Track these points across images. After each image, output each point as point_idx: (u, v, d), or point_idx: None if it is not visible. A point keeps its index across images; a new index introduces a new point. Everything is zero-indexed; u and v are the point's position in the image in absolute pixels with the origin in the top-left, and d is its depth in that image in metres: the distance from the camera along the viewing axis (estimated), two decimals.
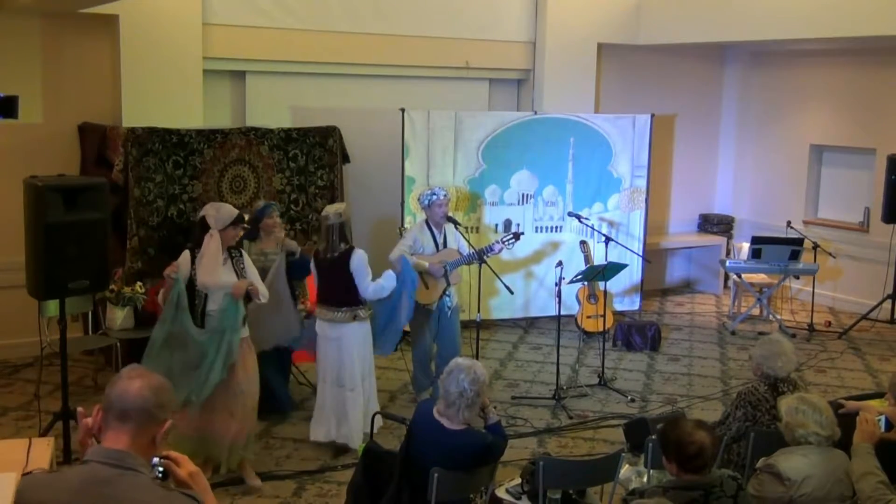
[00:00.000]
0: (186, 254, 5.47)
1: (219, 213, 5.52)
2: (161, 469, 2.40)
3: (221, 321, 5.37)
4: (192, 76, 8.03)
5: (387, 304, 6.19)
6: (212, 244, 5.43)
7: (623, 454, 4.60)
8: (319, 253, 6.01)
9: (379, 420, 5.67)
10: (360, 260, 5.86)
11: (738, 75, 11.31)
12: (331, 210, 6.02)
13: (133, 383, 2.42)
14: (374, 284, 5.91)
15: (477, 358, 6.56)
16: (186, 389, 5.27)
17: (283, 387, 6.76)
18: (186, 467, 2.47)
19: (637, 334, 8.65)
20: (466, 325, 7.33)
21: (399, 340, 6.53)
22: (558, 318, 7.38)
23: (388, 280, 6.02)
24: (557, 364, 7.28)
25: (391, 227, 8.40)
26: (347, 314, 5.87)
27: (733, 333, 9.22)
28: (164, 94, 7.83)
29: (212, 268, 5.41)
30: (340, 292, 5.87)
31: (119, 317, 7.18)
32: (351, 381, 5.86)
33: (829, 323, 9.57)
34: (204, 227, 5.48)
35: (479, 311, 7.04)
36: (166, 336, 5.36)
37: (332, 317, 5.89)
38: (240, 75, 8.65)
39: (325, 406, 5.97)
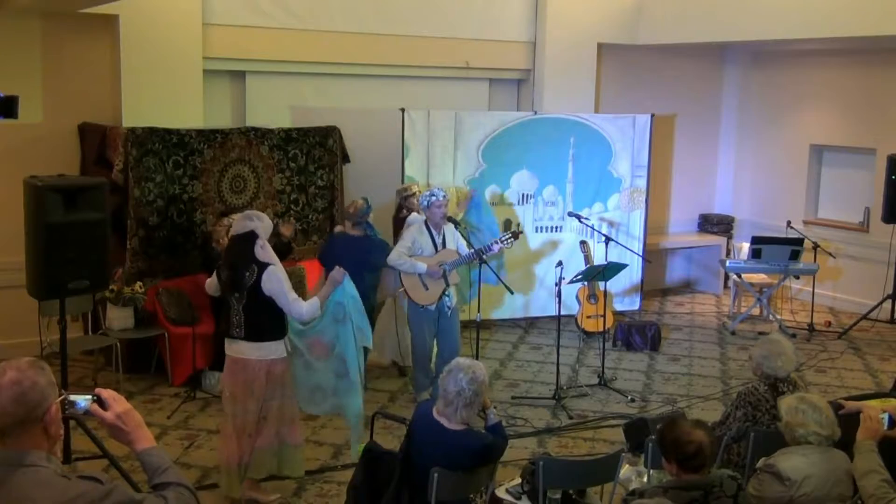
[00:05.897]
0: None
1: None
2: (86, 408, 2.41)
3: None
4: (192, 76, 8.03)
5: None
6: None
7: (623, 454, 4.60)
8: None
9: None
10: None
11: (738, 75, 11.30)
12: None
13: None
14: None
15: (477, 358, 6.56)
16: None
17: None
18: (114, 408, 2.44)
19: (637, 334, 8.64)
20: (466, 325, 7.33)
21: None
22: (558, 318, 7.38)
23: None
24: (557, 364, 7.28)
25: (391, 227, 8.38)
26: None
27: (733, 333, 9.22)
28: (164, 94, 7.82)
29: None
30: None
31: (119, 317, 7.19)
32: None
33: (829, 323, 9.57)
34: None
35: (479, 311, 7.04)
36: None
37: None
38: (240, 75, 8.64)
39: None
